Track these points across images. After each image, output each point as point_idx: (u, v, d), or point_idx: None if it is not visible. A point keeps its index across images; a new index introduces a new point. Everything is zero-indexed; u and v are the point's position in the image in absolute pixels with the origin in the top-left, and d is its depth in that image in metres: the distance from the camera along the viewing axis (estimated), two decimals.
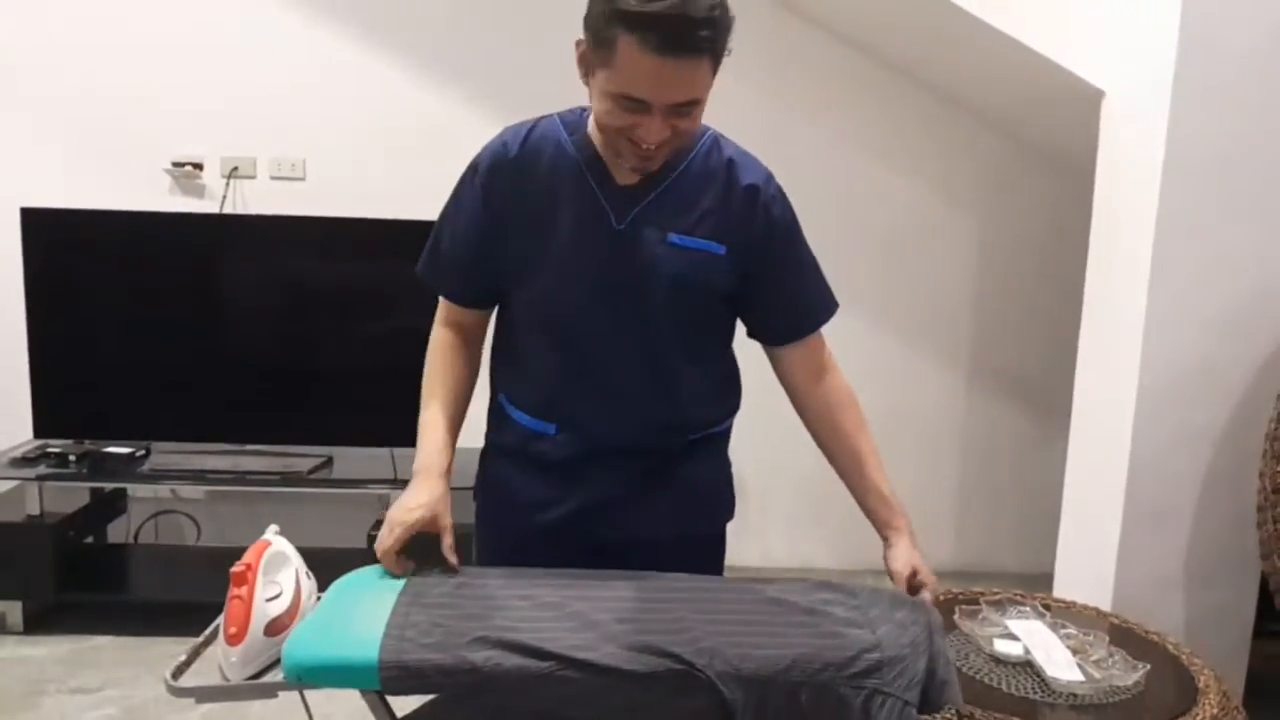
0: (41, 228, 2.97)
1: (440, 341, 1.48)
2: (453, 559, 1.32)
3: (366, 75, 3.28)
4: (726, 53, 1.23)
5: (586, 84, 1.28)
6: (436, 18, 3.27)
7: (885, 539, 1.46)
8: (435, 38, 3.28)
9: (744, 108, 3.27)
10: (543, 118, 1.42)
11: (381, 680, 1.09)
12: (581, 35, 1.25)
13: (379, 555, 1.30)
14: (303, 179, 3.33)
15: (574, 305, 1.38)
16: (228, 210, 3.31)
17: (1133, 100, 2.30)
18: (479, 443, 1.56)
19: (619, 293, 1.37)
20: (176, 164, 3.29)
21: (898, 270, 3.47)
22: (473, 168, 1.42)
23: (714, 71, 1.23)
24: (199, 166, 3.31)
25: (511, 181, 1.38)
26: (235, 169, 3.31)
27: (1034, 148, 3.38)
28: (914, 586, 1.38)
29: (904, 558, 1.41)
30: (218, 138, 3.30)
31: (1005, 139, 3.39)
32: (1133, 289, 2.26)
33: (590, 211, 1.36)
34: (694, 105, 1.24)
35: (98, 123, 3.27)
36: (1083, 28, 2.39)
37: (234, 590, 1.17)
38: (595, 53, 1.22)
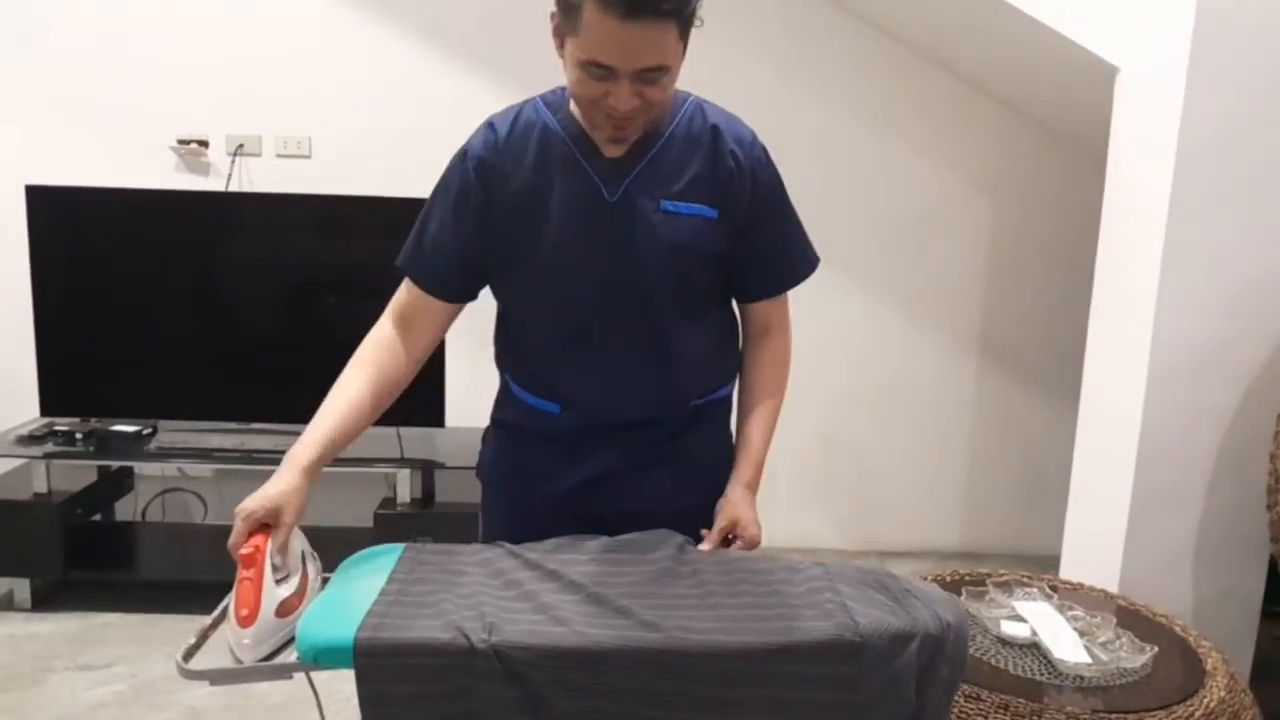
0: (47, 205, 2.96)
1: (381, 337, 1.44)
2: (275, 558, 1.20)
3: (372, 52, 3.26)
4: (697, 23, 1.24)
5: (561, 56, 1.28)
6: None
7: (727, 484, 1.47)
8: (442, 14, 3.25)
9: (757, 85, 3.26)
10: (525, 102, 1.42)
11: (356, 660, 1.07)
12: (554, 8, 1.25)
13: (229, 548, 1.21)
14: (308, 156, 3.32)
15: (572, 281, 1.39)
16: (233, 188, 3.29)
17: (1147, 77, 2.28)
18: (476, 423, 1.55)
19: (616, 264, 1.37)
20: (182, 141, 3.28)
21: (908, 249, 3.45)
22: (461, 154, 1.41)
23: (682, 38, 1.23)
24: (204, 144, 3.29)
25: (503, 165, 1.38)
26: (241, 146, 3.30)
27: (1046, 126, 3.35)
28: (729, 540, 1.39)
29: (729, 507, 1.42)
30: (223, 115, 3.28)
31: (1017, 117, 3.36)
32: (1144, 269, 2.24)
33: (582, 187, 1.36)
34: (661, 72, 1.23)
35: (103, 100, 3.26)
36: (1097, 3, 2.36)
37: (243, 572, 1.16)
38: (564, 22, 1.23)
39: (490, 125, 1.41)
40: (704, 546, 1.37)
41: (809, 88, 3.32)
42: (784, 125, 3.34)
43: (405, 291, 1.45)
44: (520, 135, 1.38)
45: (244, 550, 1.17)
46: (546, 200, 1.37)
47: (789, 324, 1.54)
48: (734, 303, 1.52)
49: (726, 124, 1.41)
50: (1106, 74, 2.38)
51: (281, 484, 1.24)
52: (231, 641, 1.15)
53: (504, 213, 1.39)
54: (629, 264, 1.37)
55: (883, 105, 3.36)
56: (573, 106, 1.37)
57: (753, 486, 1.47)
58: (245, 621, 1.13)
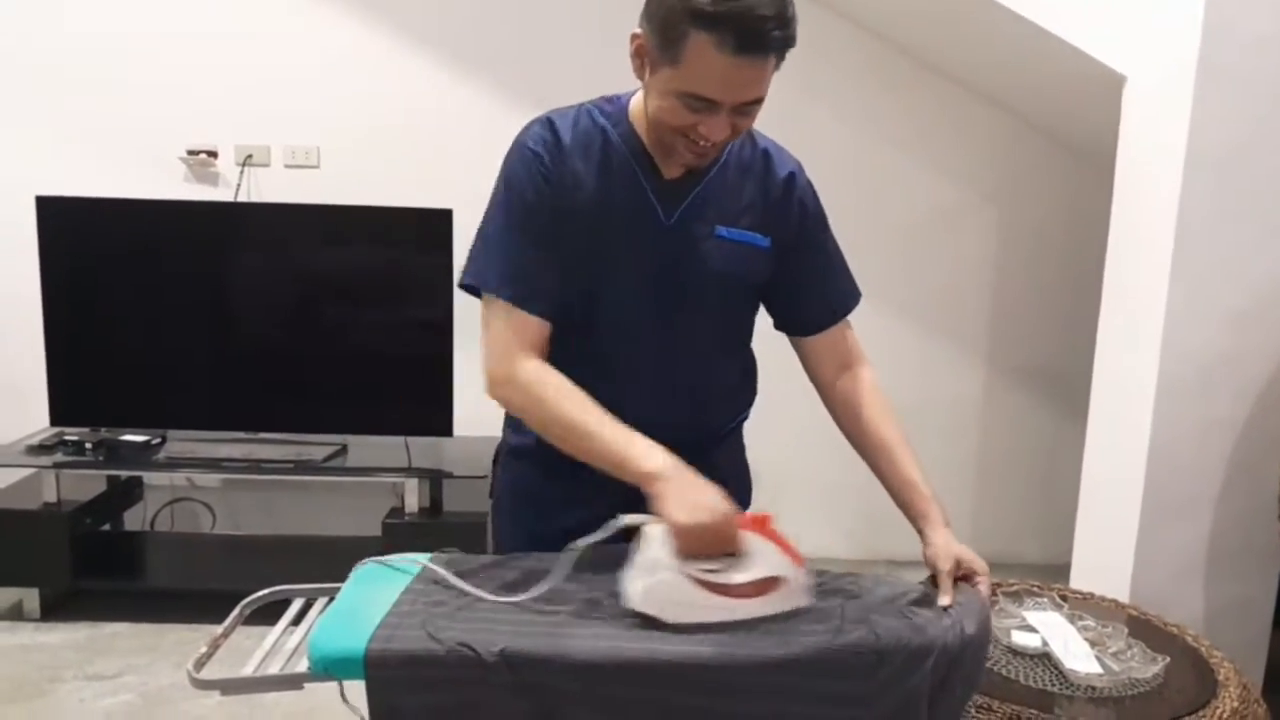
0: (57, 216, 2.98)
1: (537, 370, 1.29)
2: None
3: (380, 62, 3.27)
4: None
5: (641, 78, 1.25)
6: (451, 4, 3.25)
7: (920, 531, 1.39)
8: (450, 24, 3.27)
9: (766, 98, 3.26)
10: (578, 107, 1.37)
11: (366, 672, 1.07)
12: (639, 29, 1.21)
13: (727, 533, 1.18)
14: (317, 167, 3.33)
15: (619, 303, 1.35)
16: (242, 198, 3.31)
17: (1155, 86, 2.27)
18: (484, 432, 1.53)
19: (665, 289, 1.35)
20: (191, 152, 3.29)
21: (917, 260, 3.45)
22: (530, 158, 1.30)
23: (777, 67, 1.21)
24: (213, 154, 3.31)
25: (568, 168, 1.32)
26: (250, 157, 3.31)
27: (1054, 135, 3.35)
28: (964, 577, 1.30)
29: (944, 550, 1.31)
30: (232, 126, 3.30)
31: (1025, 127, 3.36)
32: (1153, 278, 2.23)
33: (638, 206, 1.34)
34: (758, 104, 1.22)
35: (112, 111, 3.28)
36: (1105, 12, 2.36)
37: (772, 531, 1.20)
38: (661, 50, 1.18)
39: (550, 125, 1.33)
40: (943, 601, 1.25)
41: (815, 100, 3.32)
42: (789, 138, 3.32)
43: (519, 321, 1.30)
44: (582, 141, 1.33)
45: (744, 517, 1.20)
46: (607, 214, 1.33)
47: (865, 355, 1.48)
48: (796, 343, 1.47)
49: (775, 151, 1.41)
50: (1114, 83, 2.38)
51: (708, 485, 1.21)
52: (796, 587, 1.18)
53: (564, 222, 1.32)
54: (678, 290, 1.35)
55: (888, 116, 3.36)
56: (635, 121, 1.33)
57: (948, 522, 1.36)
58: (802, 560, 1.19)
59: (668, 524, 1.16)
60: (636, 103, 1.34)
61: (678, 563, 1.14)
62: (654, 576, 1.14)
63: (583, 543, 1.19)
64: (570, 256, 1.32)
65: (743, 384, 1.50)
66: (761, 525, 1.20)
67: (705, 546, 1.16)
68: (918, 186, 3.40)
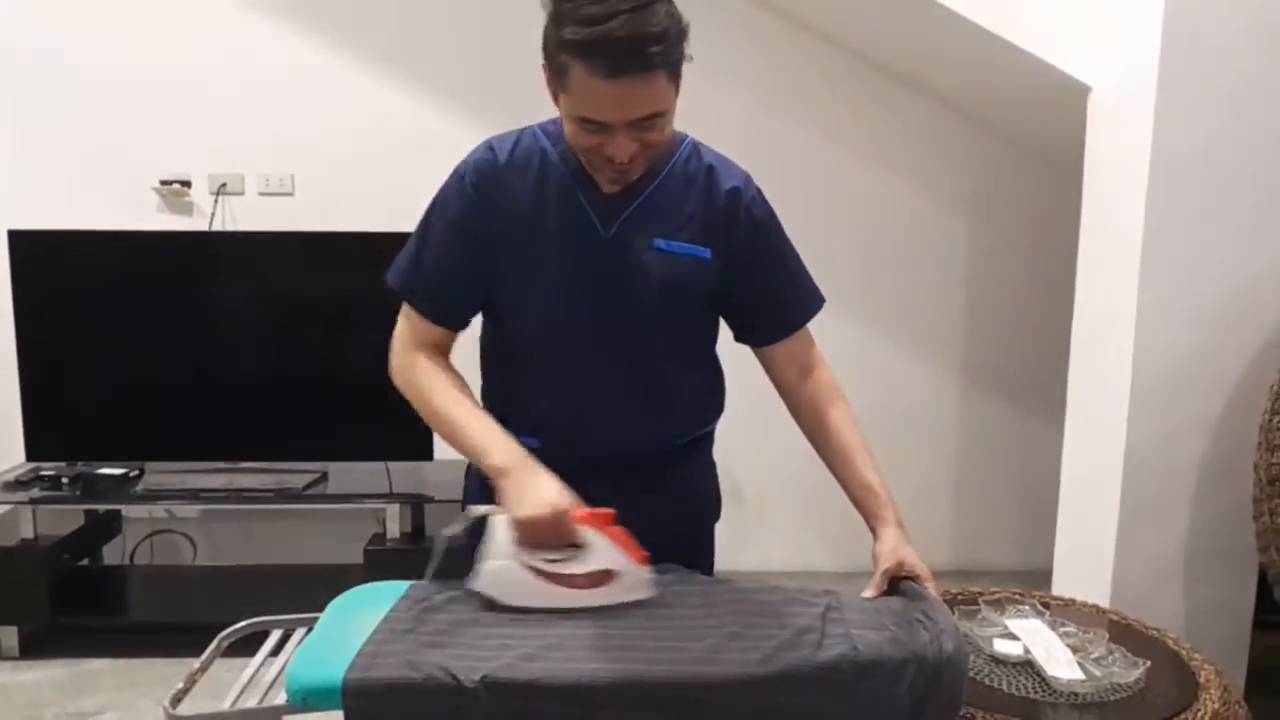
0: (29, 250, 2.96)
1: (421, 364, 1.41)
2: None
3: (353, 89, 3.28)
4: (687, 59, 1.23)
5: (556, 106, 1.29)
6: (423, 31, 3.26)
7: (873, 530, 1.45)
8: (422, 51, 3.28)
9: (732, 112, 3.28)
10: (524, 129, 1.42)
11: (345, 701, 1.07)
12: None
13: (560, 528, 1.23)
14: (291, 194, 3.33)
15: (561, 315, 1.39)
16: (216, 227, 3.30)
17: (1119, 95, 2.31)
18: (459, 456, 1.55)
19: (609, 301, 1.37)
20: (164, 182, 3.28)
21: (888, 270, 3.47)
22: (459, 176, 1.40)
23: (674, 80, 1.23)
24: (187, 184, 3.30)
25: (501, 189, 1.37)
26: (224, 186, 3.30)
27: (1023, 145, 3.39)
28: (902, 578, 1.36)
29: (890, 549, 1.38)
30: (205, 155, 3.29)
31: (994, 137, 3.40)
32: (1123, 283, 2.26)
33: (577, 221, 1.37)
34: (657, 118, 1.24)
35: (84, 143, 3.26)
36: (1068, 23, 2.40)
37: (608, 528, 1.25)
38: (554, 80, 1.24)
39: (489, 147, 1.40)
40: (867, 593, 1.34)
41: (785, 114, 3.35)
42: (761, 152, 3.34)
43: (417, 320, 1.42)
44: (520, 161, 1.38)
45: (583, 513, 1.24)
46: (542, 230, 1.37)
47: (822, 356, 1.52)
48: (758, 353, 1.50)
49: (721, 165, 1.43)
50: (1079, 93, 2.41)
51: (549, 480, 1.27)
52: (631, 582, 1.24)
53: (500, 237, 1.38)
54: (621, 300, 1.37)
55: (858, 129, 3.39)
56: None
57: (900, 524, 1.43)
58: (645, 560, 1.25)
59: (509, 516, 1.24)
60: None
61: (517, 551, 1.24)
62: (495, 562, 1.24)
63: (447, 532, 1.27)
64: (509, 268, 1.38)
65: (706, 395, 1.52)
66: (602, 522, 1.25)
67: (542, 538, 1.23)
68: (888, 197, 3.43)
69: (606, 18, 1.14)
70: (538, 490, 1.25)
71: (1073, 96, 2.43)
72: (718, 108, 3.23)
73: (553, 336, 1.40)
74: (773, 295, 1.46)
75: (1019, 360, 3.52)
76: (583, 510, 1.26)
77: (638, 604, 1.26)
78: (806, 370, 1.50)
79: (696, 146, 1.43)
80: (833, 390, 1.50)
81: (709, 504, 1.57)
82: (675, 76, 1.23)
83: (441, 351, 1.44)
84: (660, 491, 1.46)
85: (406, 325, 1.44)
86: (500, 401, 1.49)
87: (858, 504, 1.46)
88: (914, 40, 3.00)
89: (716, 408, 1.55)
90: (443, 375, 1.40)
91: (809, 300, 1.50)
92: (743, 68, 3.28)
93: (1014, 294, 3.49)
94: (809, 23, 3.27)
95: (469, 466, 1.56)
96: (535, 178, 1.37)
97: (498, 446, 1.31)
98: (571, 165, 1.37)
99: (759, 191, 1.44)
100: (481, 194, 1.37)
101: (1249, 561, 2.31)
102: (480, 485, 1.53)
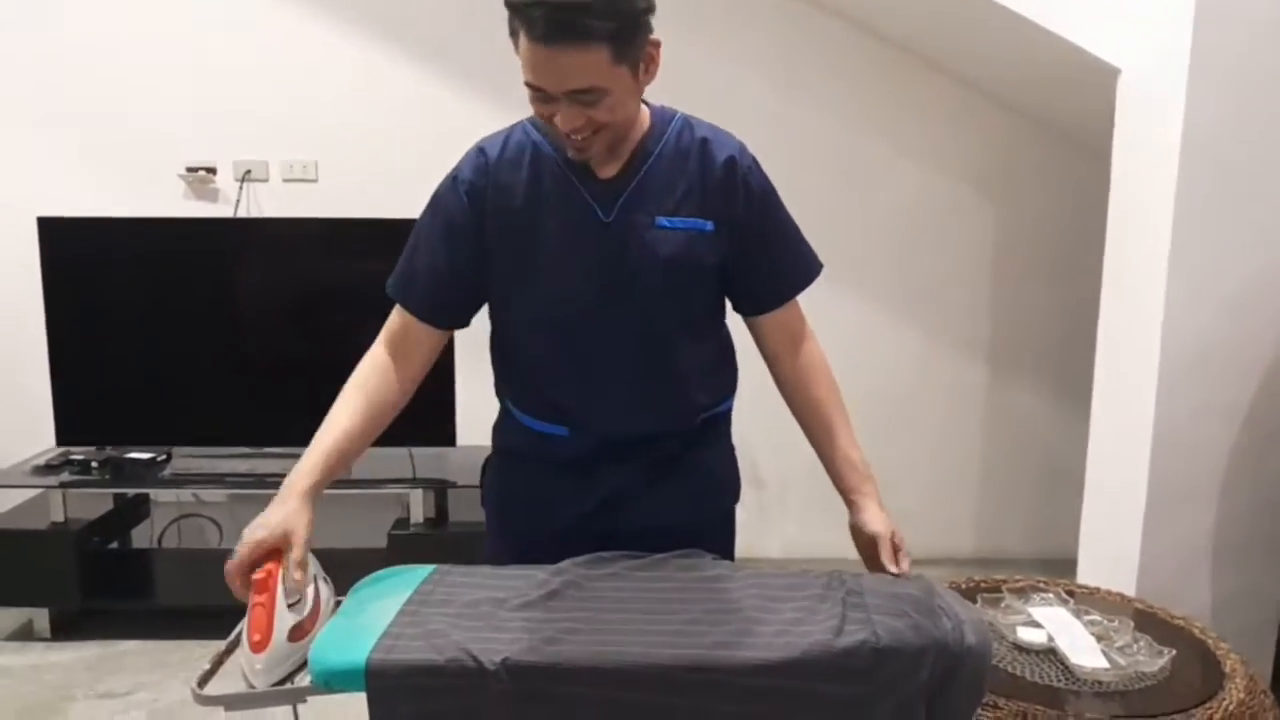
0: (58, 237, 2.99)
1: (375, 363, 1.42)
2: (295, 575, 1.21)
3: (376, 74, 3.29)
4: (651, 43, 1.26)
5: None
6: (447, 16, 3.26)
7: (852, 504, 1.47)
8: (446, 36, 3.28)
9: (755, 94, 3.27)
10: (514, 125, 1.44)
11: (368, 683, 1.08)
12: None
13: (225, 575, 1.22)
14: (315, 180, 3.34)
15: (572, 303, 1.39)
16: (241, 214, 3.32)
17: (1149, 77, 2.28)
18: (487, 441, 1.56)
19: (615, 283, 1.38)
20: (190, 169, 3.30)
21: (915, 254, 3.45)
22: (451, 180, 1.41)
23: (621, 61, 1.23)
24: (212, 171, 3.32)
25: (495, 188, 1.39)
26: (248, 172, 3.32)
27: (1051, 127, 3.35)
28: (896, 546, 1.38)
29: (879, 519, 1.41)
30: (230, 142, 3.31)
31: (1021, 119, 3.36)
32: (1152, 267, 2.24)
33: (576, 208, 1.37)
34: (595, 94, 1.24)
35: (111, 131, 3.29)
36: (1098, 5, 2.36)
37: (255, 597, 1.17)
38: (514, 46, 1.26)
39: (480, 149, 1.42)
40: (890, 569, 1.36)
41: (807, 96, 3.32)
42: (783, 134, 3.37)
43: (397, 317, 1.45)
44: (511, 158, 1.40)
45: (257, 575, 1.18)
46: (540, 222, 1.38)
47: (810, 329, 1.53)
48: (750, 322, 1.51)
49: (715, 136, 1.43)
50: (1108, 75, 2.38)
51: (284, 509, 1.25)
52: (245, 667, 1.15)
53: (497, 236, 1.39)
54: (627, 282, 1.38)
55: (883, 111, 3.36)
56: None
57: (878, 498, 1.46)
58: (258, 647, 1.14)
59: None
60: None
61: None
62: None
63: None
64: (510, 264, 1.39)
65: (718, 366, 1.52)
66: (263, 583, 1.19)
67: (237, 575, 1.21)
68: (914, 181, 3.40)
69: None
70: (267, 515, 1.25)
71: (1102, 79, 2.40)
72: (741, 89, 3.23)
73: (560, 324, 1.41)
74: (772, 264, 1.47)
75: (1045, 345, 3.49)
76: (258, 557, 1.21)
77: (659, 587, 1.27)
78: (798, 340, 1.50)
79: (689, 121, 1.43)
80: (819, 362, 1.51)
81: (729, 487, 1.58)
82: (624, 57, 1.23)
83: (407, 354, 1.43)
84: (680, 474, 1.47)
85: (391, 323, 1.46)
86: (515, 394, 1.50)
87: (838, 477, 1.50)
88: (942, 22, 2.97)
89: (730, 382, 1.55)
90: (355, 387, 1.40)
91: (808, 267, 1.50)
92: (766, 49, 3.26)
93: (1040, 278, 3.46)
94: (831, 3, 3.24)
95: (487, 460, 1.57)
96: (529, 171, 1.39)
97: (299, 470, 1.32)
98: (565, 155, 1.37)
99: (755, 160, 1.44)
100: (473, 197, 1.39)
101: (1276, 550, 2.29)
102: (500, 480, 1.54)
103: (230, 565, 1.21)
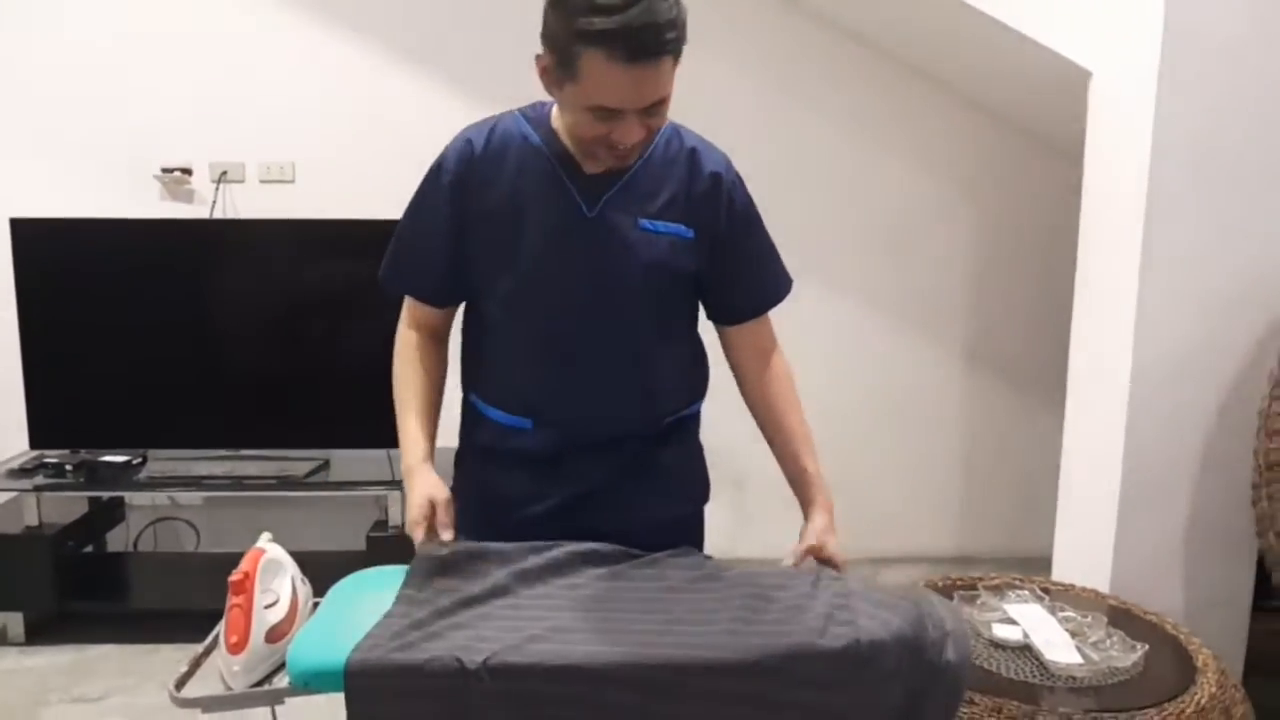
0: (31, 238, 2.96)
1: (408, 343, 1.51)
2: (446, 535, 1.36)
3: (354, 76, 3.27)
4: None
5: (552, 95, 1.32)
6: (424, 17, 3.26)
7: (804, 512, 1.51)
8: (423, 38, 3.27)
9: (739, 99, 3.28)
10: (503, 114, 1.45)
11: (347, 683, 1.08)
12: (540, 51, 1.27)
13: (408, 527, 1.36)
14: (292, 181, 3.33)
15: (549, 295, 1.40)
16: (218, 215, 3.30)
17: (1120, 81, 2.30)
18: (454, 443, 1.57)
19: (593, 280, 1.39)
20: (166, 170, 3.28)
21: (893, 256, 3.47)
22: (437, 167, 1.44)
23: (677, 65, 1.26)
24: (188, 172, 3.30)
25: (479, 178, 1.40)
26: (224, 173, 3.30)
27: (1027, 131, 3.38)
28: (819, 559, 1.42)
29: (818, 529, 1.46)
30: (206, 142, 3.29)
31: (998, 123, 3.39)
32: (1123, 270, 2.26)
33: (560, 202, 1.39)
34: (664, 103, 1.27)
35: (85, 131, 3.26)
36: (1069, 8, 2.39)
37: (233, 599, 1.17)
38: (561, 69, 1.24)
39: (467, 139, 1.43)
40: (787, 563, 1.41)
41: (789, 101, 3.34)
42: (765, 139, 3.38)
43: (409, 303, 1.52)
44: (497, 148, 1.41)
45: (234, 577, 1.18)
46: (524, 213, 1.39)
47: (779, 344, 1.56)
48: (721, 331, 1.54)
49: (703, 148, 1.45)
50: (1080, 79, 2.41)
51: (421, 484, 1.38)
52: (222, 669, 1.15)
53: (481, 225, 1.41)
54: (606, 279, 1.39)
55: (862, 115, 3.38)
56: (556, 124, 1.40)
57: (830, 510, 1.49)
58: (235, 649, 1.14)
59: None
60: (558, 108, 1.39)
61: None
62: None
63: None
64: (490, 251, 1.41)
65: (685, 374, 1.54)
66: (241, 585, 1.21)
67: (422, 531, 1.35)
68: (890, 185, 3.42)
69: (625, 6, 1.17)
70: (413, 492, 1.37)
71: (1075, 82, 2.43)
72: (726, 94, 3.24)
73: (534, 316, 1.42)
74: (748, 278, 1.50)
75: (1021, 347, 3.52)
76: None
77: (647, 586, 1.27)
78: (766, 352, 1.54)
79: (678, 130, 1.45)
80: (784, 374, 1.55)
81: (697, 488, 1.60)
82: (678, 61, 1.26)
83: (433, 331, 1.52)
84: (646, 474, 1.48)
85: (405, 305, 1.53)
86: (482, 385, 1.51)
87: (794, 484, 1.53)
88: (916, 25, 2.99)
89: (699, 386, 1.57)
90: (411, 365, 1.49)
91: (780, 284, 1.54)
92: (752, 55, 3.27)
93: (1016, 280, 3.49)
94: (815, 10, 3.25)
95: (458, 454, 1.59)
96: (515, 162, 1.40)
97: (408, 449, 1.42)
98: (555, 149, 1.39)
99: (739, 176, 1.47)
100: (458, 185, 1.40)
101: (1247, 547, 2.32)
102: (465, 477, 1.56)
103: (412, 521, 1.35)
